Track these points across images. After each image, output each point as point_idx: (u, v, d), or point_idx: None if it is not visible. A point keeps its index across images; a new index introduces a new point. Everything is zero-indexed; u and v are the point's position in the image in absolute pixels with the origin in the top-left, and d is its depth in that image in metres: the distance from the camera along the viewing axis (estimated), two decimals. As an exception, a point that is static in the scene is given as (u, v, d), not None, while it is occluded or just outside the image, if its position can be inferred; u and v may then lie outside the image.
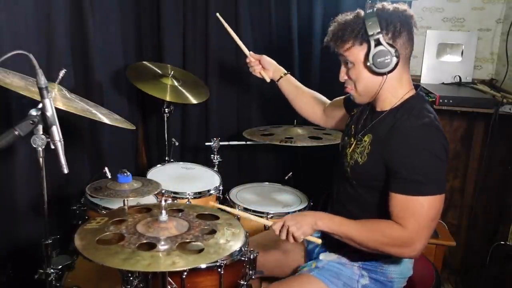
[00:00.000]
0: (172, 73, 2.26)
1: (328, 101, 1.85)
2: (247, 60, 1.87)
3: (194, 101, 2.27)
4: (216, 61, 2.52)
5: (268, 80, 1.86)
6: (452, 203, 2.64)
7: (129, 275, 1.37)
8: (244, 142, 2.31)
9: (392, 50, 1.31)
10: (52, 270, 1.30)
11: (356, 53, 1.36)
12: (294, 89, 1.86)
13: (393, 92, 1.39)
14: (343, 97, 1.73)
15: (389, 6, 1.36)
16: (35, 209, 1.79)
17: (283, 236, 1.40)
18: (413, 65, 2.46)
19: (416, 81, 2.45)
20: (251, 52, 1.88)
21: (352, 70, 1.40)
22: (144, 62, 2.33)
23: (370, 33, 1.31)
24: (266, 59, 1.85)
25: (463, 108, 2.19)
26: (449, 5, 2.43)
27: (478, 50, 2.45)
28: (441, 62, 2.48)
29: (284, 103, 2.53)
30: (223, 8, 2.43)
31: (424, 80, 2.49)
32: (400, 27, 1.33)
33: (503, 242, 2.18)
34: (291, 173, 2.27)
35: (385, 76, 1.35)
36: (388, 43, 1.32)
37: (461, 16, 2.43)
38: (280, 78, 1.85)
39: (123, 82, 2.36)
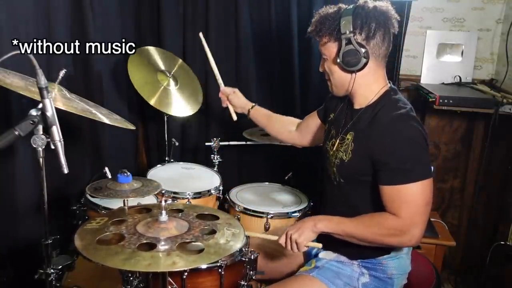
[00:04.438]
0: (173, 73, 2.24)
1: (299, 121, 1.90)
2: (219, 95, 1.95)
3: (175, 113, 2.18)
4: (216, 60, 2.51)
5: (234, 118, 1.95)
6: (452, 203, 2.64)
7: (130, 275, 1.37)
8: (244, 142, 2.31)
9: (362, 51, 1.36)
10: (52, 270, 1.29)
11: (330, 49, 1.42)
12: (264, 117, 1.92)
13: (368, 88, 1.44)
14: (315, 111, 1.79)
15: (371, 4, 1.38)
16: (35, 209, 1.78)
17: (289, 247, 1.43)
18: (413, 65, 2.51)
19: (416, 81, 2.48)
20: (223, 86, 1.95)
21: (326, 64, 1.47)
22: (151, 48, 2.23)
23: (342, 31, 1.36)
24: (234, 97, 1.93)
25: (463, 108, 2.20)
26: (449, 5, 2.43)
27: (478, 50, 2.45)
28: (441, 62, 2.48)
29: (285, 102, 2.55)
30: (223, 6, 2.43)
31: (424, 80, 2.49)
32: (375, 27, 1.35)
33: (503, 242, 2.18)
34: (291, 173, 2.27)
35: (354, 74, 1.40)
36: (359, 43, 1.36)
37: (461, 16, 2.43)
38: (249, 112, 1.91)
39: (124, 82, 2.36)
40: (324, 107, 1.72)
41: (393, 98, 1.41)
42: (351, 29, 1.34)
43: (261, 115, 1.92)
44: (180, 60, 2.33)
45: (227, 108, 1.96)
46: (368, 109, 1.43)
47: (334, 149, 1.49)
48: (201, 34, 1.97)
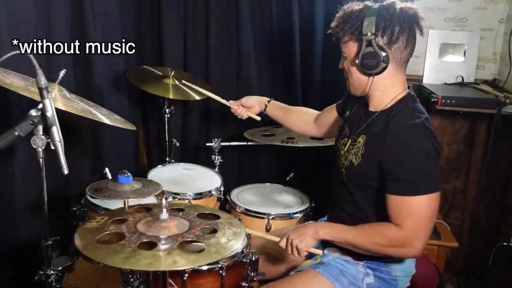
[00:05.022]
0: (173, 73, 2.25)
1: (317, 112, 1.87)
2: (232, 111, 1.91)
3: (197, 97, 2.23)
4: (217, 62, 2.51)
5: (258, 119, 1.91)
6: (455, 203, 2.62)
7: (130, 276, 1.36)
8: (245, 143, 2.30)
9: (382, 54, 1.32)
10: (52, 272, 1.29)
11: (350, 48, 1.39)
12: (281, 111, 1.88)
13: (385, 91, 1.40)
14: (334, 104, 1.76)
15: (398, 5, 1.34)
16: (35, 210, 1.78)
17: (289, 251, 1.42)
18: (415, 65, 2.50)
19: (418, 81, 2.46)
20: (230, 101, 1.91)
21: (346, 63, 1.43)
22: (144, 66, 2.31)
23: (364, 32, 1.32)
24: (247, 99, 1.89)
25: (465, 109, 2.18)
26: (451, 5, 2.42)
27: (480, 50, 2.44)
28: (443, 62, 2.47)
29: (286, 103, 2.54)
30: (224, 7, 2.43)
31: (426, 80, 2.47)
32: (399, 31, 1.32)
33: (505, 243, 2.17)
34: (292, 173, 2.26)
35: (371, 77, 1.37)
36: (380, 46, 1.32)
37: (464, 16, 2.42)
38: (266, 107, 1.88)
39: (124, 82, 2.35)
40: (343, 102, 1.69)
41: (409, 106, 1.37)
42: (373, 31, 1.30)
43: (277, 108, 1.88)
44: (168, 68, 2.32)
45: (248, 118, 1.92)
46: (383, 114, 1.40)
47: (345, 149, 1.47)
48: (183, 81, 2.05)
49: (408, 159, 1.29)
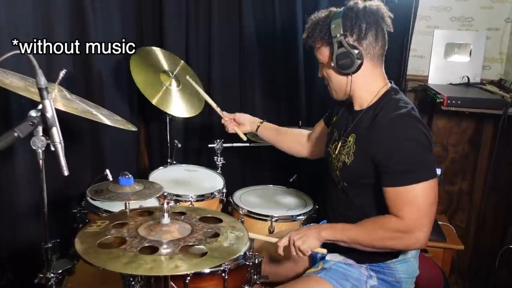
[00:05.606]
0: (175, 73, 2.21)
1: (308, 132, 1.88)
2: (222, 121, 1.89)
3: (176, 113, 2.15)
4: (219, 60, 2.49)
5: (244, 138, 1.89)
6: (460, 205, 2.61)
7: (131, 279, 1.34)
8: (248, 144, 2.28)
9: (355, 52, 1.35)
10: (52, 274, 1.27)
11: (323, 53, 1.42)
12: (274, 132, 1.88)
13: (367, 89, 1.43)
14: (322, 119, 1.78)
15: (361, 4, 1.38)
16: (35, 212, 1.76)
17: (293, 252, 1.41)
18: (420, 65, 2.48)
19: (423, 82, 2.45)
20: (223, 112, 1.89)
21: (323, 69, 1.46)
22: (155, 48, 2.22)
23: (333, 35, 1.36)
24: (240, 115, 1.88)
25: (471, 109, 2.16)
26: (457, 4, 2.40)
27: (486, 50, 2.42)
28: (449, 62, 2.45)
29: (289, 104, 2.52)
30: (227, 5, 2.41)
31: (431, 81, 2.46)
32: (366, 27, 1.35)
33: (512, 246, 2.14)
34: (295, 175, 2.24)
35: (350, 76, 1.39)
36: (351, 45, 1.35)
37: (469, 16, 2.40)
38: (258, 128, 1.87)
39: (124, 82, 2.34)
40: (329, 113, 1.72)
41: (393, 98, 1.40)
42: (342, 32, 1.35)
43: (270, 130, 1.88)
44: (182, 62, 2.29)
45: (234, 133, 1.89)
46: (368, 111, 1.42)
47: (337, 152, 1.48)
48: (187, 77, 1.98)
49: (397, 150, 1.30)
